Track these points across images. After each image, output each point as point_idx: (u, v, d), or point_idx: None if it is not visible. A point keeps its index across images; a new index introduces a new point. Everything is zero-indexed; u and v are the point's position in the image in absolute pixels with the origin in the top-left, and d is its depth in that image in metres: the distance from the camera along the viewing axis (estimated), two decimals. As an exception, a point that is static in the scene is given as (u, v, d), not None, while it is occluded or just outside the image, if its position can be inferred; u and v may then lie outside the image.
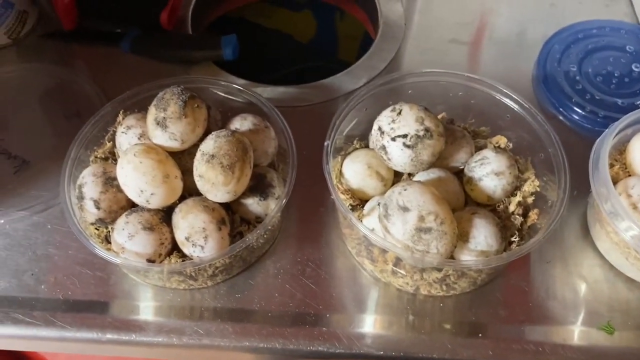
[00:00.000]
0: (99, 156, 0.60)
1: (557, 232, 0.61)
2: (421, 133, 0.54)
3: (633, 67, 0.74)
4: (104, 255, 0.52)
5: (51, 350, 0.59)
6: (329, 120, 0.66)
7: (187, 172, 0.56)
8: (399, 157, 0.55)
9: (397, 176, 0.60)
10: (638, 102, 0.70)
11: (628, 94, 0.71)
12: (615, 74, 0.73)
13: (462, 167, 0.60)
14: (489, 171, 0.56)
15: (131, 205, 0.56)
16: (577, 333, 0.56)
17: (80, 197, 0.55)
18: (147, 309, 0.58)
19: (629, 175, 0.58)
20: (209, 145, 0.54)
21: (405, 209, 0.50)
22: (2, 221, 0.62)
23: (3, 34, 0.75)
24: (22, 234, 0.62)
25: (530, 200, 0.57)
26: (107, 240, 0.57)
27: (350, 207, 0.57)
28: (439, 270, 0.54)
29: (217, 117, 0.62)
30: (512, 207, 0.56)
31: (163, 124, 0.55)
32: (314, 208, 0.64)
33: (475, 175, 0.57)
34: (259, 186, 0.57)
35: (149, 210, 0.55)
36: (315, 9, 1.02)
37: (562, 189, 0.54)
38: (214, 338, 0.56)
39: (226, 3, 0.91)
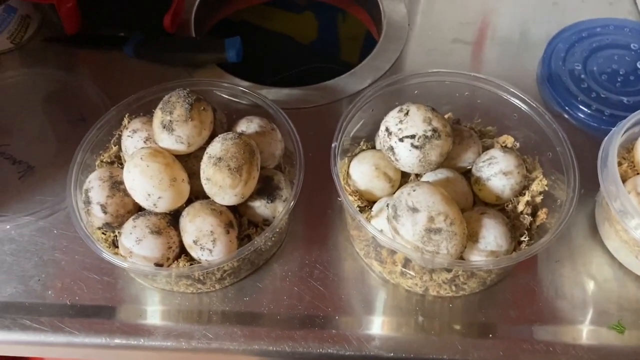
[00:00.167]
0: (104, 160, 0.60)
1: (565, 232, 0.61)
2: (429, 133, 0.54)
3: (638, 65, 0.73)
4: (112, 259, 0.52)
5: (59, 356, 0.59)
6: (334, 122, 0.66)
7: (193, 175, 0.56)
8: (407, 157, 0.55)
9: (405, 177, 0.59)
10: (644, 100, 0.70)
11: (634, 92, 0.71)
12: (621, 72, 0.73)
13: (469, 167, 0.59)
14: (497, 171, 0.56)
15: (138, 209, 0.56)
16: (587, 332, 0.56)
17: (87, 202, 0.55)
18: (155, 313, 0.57)
19: (638, 174, 0.58)
20: (215, 148, 0.54)
21: (414, 210, 0.50)
22: (8, 227, 0.62)
23: (6, 38, 0.75)
24: (28, 239, 0.61)
25: (538, 199, 0.57)
26: (114, 244, 0.56)
27: (358, 208, 0.57)
28: (449, 271, 0.53)
29: (223, 119, 0.62)
30: (520, 207, 0.56)
31: (169, 127, 0.55)
32: (321, 210, 0.63)
33: (483, 175, 0.57)
34: (266, 189, 0.57)
35: (156, 214, 0.54)
36: (317, 10, 1.02)
37: (572, 187, 0.54)
38: (223, 342, 0.55)
39: (228, 6, 0.91)
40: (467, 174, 0.60)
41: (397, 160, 0.55)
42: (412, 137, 0.54)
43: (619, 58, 0.74)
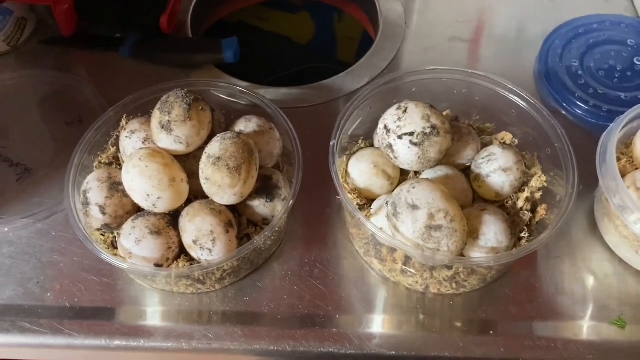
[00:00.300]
0: (102, 161, 0.60)
1: (565, 228, 0.61)
2: (428, 130, 0.54)
3: (635, 61, 0.74)
4: (111, 260, 0.52)
5: (59, 359, 0.58)
6: (332, 121, 0.66)
7: (192, 175, 0.56)
8: (406, 155, 0.54)
9: (404, 175, 0.59)
10: (641, 96, 0.70)
11: (631, 87, 0.71)
12: (618, 68, 0.73)
13: (468, 164, 0.59)
14: (496, 167, 0.56)
15: (137, 210, 0.56)
16: (588, 328, 0.56)
17: (86, 203, 0.55)
18: (155, 314, 0.57)
19: (636, 169, 0.58)
20: (214, 147, 0.54)
21: (414, 207, 0.50)
22: (6, 229, 0.62)
23: (2, 41, 0.75)
24: (27, 241, 0.61)
25: (538, 195, 0.57)
26: (113, 245, 0.56)
27: (357, 206, 0.57)
28: (449, 268, 0.53)
29: (221, 119, 0.62)
30: (520, 203, 0.56)
31: (168, 127, 0.54)
32: (319, 209, 0.63)
33: (482, 172, 0.57)
34: (265, 188, 0.56)
35: (155, 214, 0.54)
36: (313, 10, 1.02)
37: (571, 183, 0.54)
38: (223, 342, 0.55)
39: (224, 6, 0.91)
40: (466, 171, 0.60)
41: (396, 157, 0.55)
42: (411, 134, 0.54)
43: (615, 54, 0.74)
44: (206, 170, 0.53)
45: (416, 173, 0.58)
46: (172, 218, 0.55)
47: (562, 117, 0.71)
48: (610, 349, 0.55)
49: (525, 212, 0.56)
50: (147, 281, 0.58)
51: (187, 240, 0.53)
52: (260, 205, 0.56)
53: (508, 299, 0.58)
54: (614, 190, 0.54)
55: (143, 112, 0.62)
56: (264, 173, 0.57)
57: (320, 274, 0.59)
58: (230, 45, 0.73)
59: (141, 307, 0.57)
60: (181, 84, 0.60)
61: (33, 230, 0.62)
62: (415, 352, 0.55)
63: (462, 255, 0.52)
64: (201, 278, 0.55)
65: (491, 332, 0.56)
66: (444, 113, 0.63)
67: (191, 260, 0.54)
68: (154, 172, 0.52)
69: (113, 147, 0.61)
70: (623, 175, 0.56)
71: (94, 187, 0.55)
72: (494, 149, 0.57)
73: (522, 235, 0.55)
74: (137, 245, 0.52)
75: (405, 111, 0.55)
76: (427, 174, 0.57)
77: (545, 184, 0.57)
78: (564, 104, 0.71)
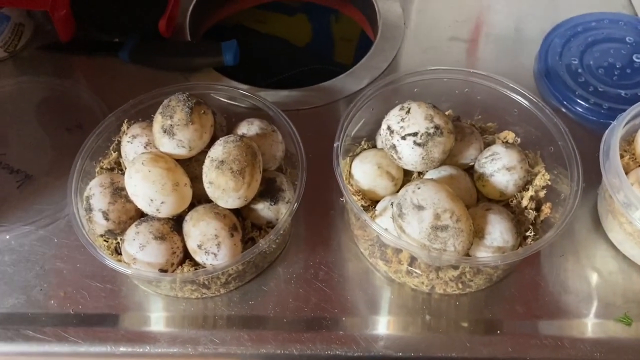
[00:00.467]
0: (104, 167, 0.60)
1: (569, 226, 0.60)
2: (431, 131, 0.54)
3: (634, 58, 0.74)
4: (116, 266, 0.51)
5: (63, 366, 0.58)
6: (333, 123, 0.66)
7: (195, 180, 0.56)
8: (410, 155, 0.54)
9: (407, 175, 0.59)
10: (641, 93, 0.70)
11: (631, 84, 0.71)
12: (617, 66, 0.73)
13: (472, 164, 0.59)
14: (500, 166, 0.56)
15: (140, 215, 0.56)
16: (595, 326, 0.56)
17: (89, 209, 0.54)
18: (160, 319, 0.57)
19: (639, 166, 0.58)
20: (217, 151, 0.53)
21: (420, 208, 0.49)
22: (8, 237, 0.61)
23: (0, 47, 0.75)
24: (29, 249, 0.61)
25: (542, 194, 0.57)
26: (116, 251, 0.56)
27: (361, 208, 0.57)
28: (456, 268, 0.53)
29: (223, 122, 0.62)
30: (524, 202, 0.56)
31: (170, 131, 0.54)
32: (323, 211, 0.63)
33: (486, 171, 0.57)
34: (269, 191, 0.56)
35: (159, 219, 0.54)
36: (310, 12, 1.02)
37: (575, 181, 0.54)
38: (229, 346, 0.55)
39: (222, 10, 0.91)
40: (469, 170, 0.59)
41: (399, 158, 0.55)
42: (415, 134, 0.54)
43: (614, 51, 0.75)
44: (210, 174, 0.53)
45: (420, 173, 0.58)
46: (176, 223, 0.55)
47: (562, 115, 0.71)
48: (617, 346, 0.55)
49: (530, 210, 0.56)
50: (152, 287, 0.57)
51: (191, 245, 0.53)
52: (264, 209, 0.56)
53: (514, 298, 0.58)
54: (617, 187, 0.54)
55: (144, 116, 0.61)
56: (267, 176, 0.57)
57: (326, 277, 0.59)
58: (229, 48, 0.73)
59: (146, 312, 0.57)
60: (182, 87, 0.60)
61: (35, 238, 0.61)
62: (423, 353, 0.55)
63: (468, 255, 0.52)
64: (206, 283, 0.55)
65: (498, 331, 0.56)
66: (446, 113, 0.62)
67: (196, 265, 0.54)
68: (157, 177, 0.52)
69: (114, 152, 0.60)
70: (626, 172, 0.56)
71: (96, 192, 0.54)
72: (497, 148, 0.57)
73: (528, 234, 0.55)
74: (141, 251, 0.52)
75: (408, 112, 0.55)
76: (431, 174, 0.57)
77: (549, 182, 0.57)
78: (565, 102, 0.71)
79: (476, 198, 0.57)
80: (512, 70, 0.76)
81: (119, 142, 0.60)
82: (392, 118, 0.55)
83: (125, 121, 0.61)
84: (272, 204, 0.56)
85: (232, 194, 0.53)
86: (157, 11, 0.75)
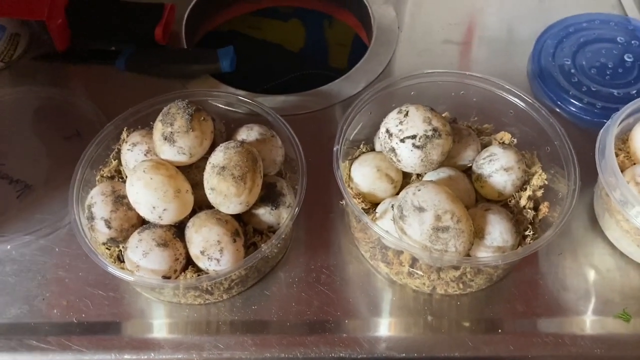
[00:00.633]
0: (105, 175, 0.60)
1: (565, 224, 0.62)
2: (430, 133, 0.54)
3: (625, 58, 0.75)
4: (120, 274, 0.51)
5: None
6: (330, 127, 0.66)
7: (195, 186, 0.56)
8: (409, 158, 0.55)
9: (406, 178, 0.60)
10: (634, 92, 0.71)
11: (623, 84, 0.72)
12: (609, 65, 0.74)
13: (469, 165, 0.60)
14: (498, 167, 0.57)
15: (142, 223, 0.56)
16: (594, 323, 0.57)
17: (91, 218, 0.54)
18: (163, 326, 0.57)
19: (634, 164, 0.59)
20: (218, 157, 0.54)
21: (421, 209, 0.50)
22: (8, 247, 0.61)
23: (-5, 57, 0.75)
24: (30, 258, 0.61)
25: (539, 193, 0.58)
26: (119, 259, 0.56)
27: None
28: (457, 268, 0.54)
29: (222, 129, 0.62)
30: (523, 202, 0.57)
31: (171, 138, 0.54)
32: (323, 214, 0.63)
33: (484, 172, 0.57)
34: (269, 195, 0.57)
35: (161, 226, 0.54)
36: (303, 17, 1.03)
37: (573, 180, 0.54)
38: (234, 351, 0.55)
39: (217, 16, 0.91)
40: (467, 171, 0.60)
41: (399, 161, 0.56)
42: (413, 137, 0.54)
43: (606, 52, 0.76)
44: (211, 180, 0.54)
45: (418, 175, 0.59)
46: (178, 229, 0.55)
47: (556, 115, 0.71)
48: (617, 342, 0.56)
49: (528, 210, 0.56)
50: (155, 293, 0.57)
51: (194, 251, 0.53)
52: (265, 213, 0.56)
53: (514, 297, 0.58)
54: (614, 185, 0.55)
55: (143, 124, 0.62)
56: (267, 181, 0.57)
57: (327, 280, 0.59)
58: (226, 55, 0.73)
59: (149, 319, 0.57)
60: (180, 94, 0.60)
61: (36, 247, 0.61)
62: (426, 353, 0.55)
63: (468, 255, 0.53)
64: (209, 288, 0.55)
65: (499, 330, 0.56)
66: (443, 115, 0.63)
67: (199, 271, 0.54)
68: (159, 184, 0.52)
69: (115, 160, 0.61)
70: (622, 171, 0.57)
71: (98, 201, 0.55)
72: (495, 149, 0.58)
73: (527, 233, 0.55)
74: (144, 258, 0.52)
75: (406, 115, 0.55)
76: (430, 176, 0.58)
77: (546, 182, 0.58)
78: (559, 102, 0.72)
79: (475, 199, 0.58)
80: (506, 72, 0.76)
81: (119, 150, 0.60)
82: (391, 121, 0.56)
83: (125, 129, 0.61)
84: (273, 208, 0.56)
85: (234, 199, 0.53)
86: (153, 19, 0.75)
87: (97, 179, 0.59)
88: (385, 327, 0.57)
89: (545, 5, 0.84)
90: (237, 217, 0.56)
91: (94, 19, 0.76)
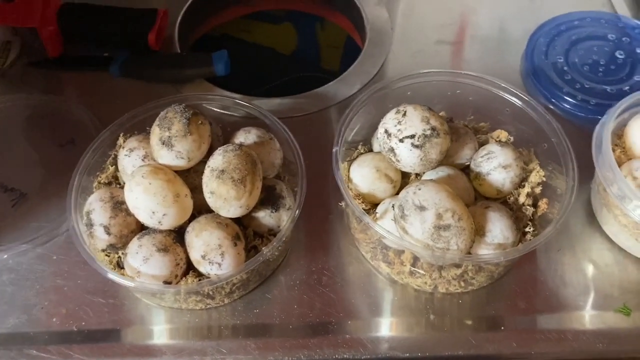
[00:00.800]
0: (102, 181, 0.59)
1: (563, 220, 0.62)
2: (428, 132, 0.54)
3: (617, 55, 0.76)
4: (121, 281, 0.51)
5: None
6: (327, 129, 0.66)
7: (194, 190, 0.56)
8: (408, 157, 0.55)
9: (404, 177, 0.60)
10: (626, 88, 0.72)
11: (615, 80, 0.73)
12: (601, 62, 0.75)
13: (467, 164, 0.60)
14: (496, 165, 0.57)
15: (141, 228, 0.55)
16: (595, 317, 0.57)
17: (90, 224, 0.54)
18: (165, 332, 0.56)
19: (630, 159, 0.60)
20: (217, 160, 0.54)
21: (422, 208, 0.50)
22: (5, 256, 0.60)
23: (-13, 65, 0.74)
24: (27, 267, 0.60)
25: (538, 190, 0.58)
26: (118, 266, 0.55)
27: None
28: (458, 266, 0.54)
29: (219, 132, 0.62)
30: (522, 199, 0.57)
31: (168, 143, 0.54)
32: (322, 216, 0.63)
33: (482, 170, 0.58)
34: (269, 198, 0.56)
35: (161, 231, 0.54)
36: (295, 20, 1.03)
37: (571, 176, 0.55)
38: (237, 355, 0.55)
39: (210, 20, 0.91)
40: (465, 170, 0.60)
41: (398, 161, 0.56)
42: (412, 137, 0.54)
43: (598, 49, 0.76)
44: (210, 184, 0.53)
45: (417, 175, 0.59)
46: (177, 234, 0.55)
47: (551, 112, 0.71)
48: (618, 336, 0.56)
49: (527, 207, 0.57)
50: (156, 299, 0.57)
51: (195, 256, 0.53)
52: (265, 216, 0.56)
53: (515, 294, 0.58)
54: (611, 180, 0.55)
55: (139, 129, 0.61)
56: (267, 183, 0.57)
57: (329, 281, 0.59)
58: (220, 58, 0.73)
59: (150, 326, 0.57)
60: (176, 99, 0.60)
61: (33, 256, 0.61)
62: (429, 352, 0.55)
63: (470, 253, 0.53)
64: (210, 293, 0.55)
65: (502, 327, 0.56)
66: (439, 114, 0.63)
67: (200, 275, 0.54)
68: (158, 189, 0.52)
69: (112, 166, 0.60)
70: (618, 165, 0.57)
71: (97, 207, 0.54)
72: (493, 147, 0.58)
73: (527, 230, 0.55)
74: (145, 264, 0.52)
75: (404, 114, 0.55)
76: (429, 175, 0.58)
77: (544, 179, 0.58)
78: (553, 100, 0.72)
79: (474, 197, 0.58)
80: (499, 70, 0.77)
81: (116, 156, 0.60)
82: (389, 121, 0.56)
83: (121, 135, 0.60)
84: (273, 211, 0.56)
85: (234, 202, 0.53)
86: (146, 25, 0.75)
87: (94, 185, 0.59)
88: (387, 327, 0.57)
89: (536, 4, 0.85)
90: (237, 220, 0.56)
91: (86, 26, 0.76)
